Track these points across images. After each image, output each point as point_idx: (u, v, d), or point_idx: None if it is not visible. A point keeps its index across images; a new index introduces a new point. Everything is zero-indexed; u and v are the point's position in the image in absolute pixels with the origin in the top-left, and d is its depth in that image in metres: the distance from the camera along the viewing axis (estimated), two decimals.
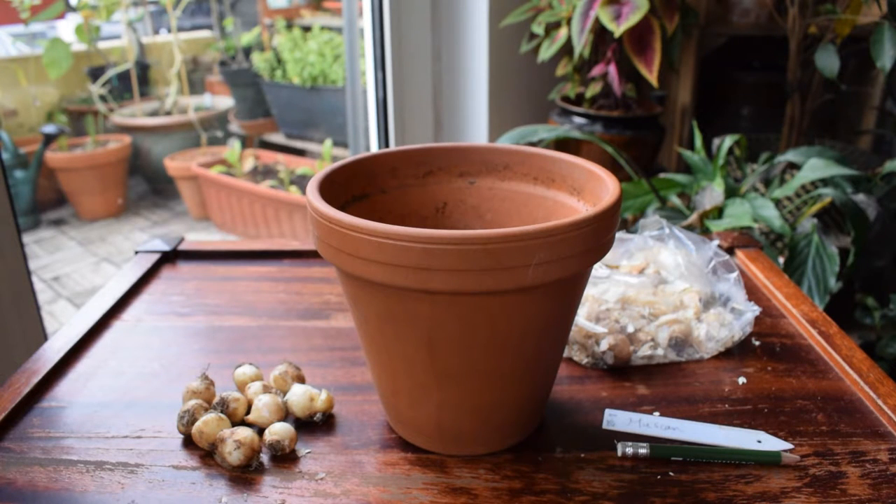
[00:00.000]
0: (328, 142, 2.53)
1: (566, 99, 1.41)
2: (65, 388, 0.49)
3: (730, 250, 0.68)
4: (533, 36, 1.38)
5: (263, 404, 0.44)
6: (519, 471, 0.41)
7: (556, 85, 1.48)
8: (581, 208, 0.44)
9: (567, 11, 1.27)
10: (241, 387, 0.47)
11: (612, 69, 1.25)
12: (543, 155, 0.46)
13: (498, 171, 0.48)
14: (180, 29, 3.03)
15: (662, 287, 0.56)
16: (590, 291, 0.54)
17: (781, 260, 1.01)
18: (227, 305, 0.60)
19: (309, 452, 0.42)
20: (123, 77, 2.92)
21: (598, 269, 0.56)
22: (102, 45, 2.92)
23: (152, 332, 0.56)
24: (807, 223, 1.01)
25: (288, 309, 0.60)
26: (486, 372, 0.38)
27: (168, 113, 2.96)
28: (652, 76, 1.19)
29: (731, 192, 1.04)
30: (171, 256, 0.69)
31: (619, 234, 0.60)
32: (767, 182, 1.18)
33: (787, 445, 0.43)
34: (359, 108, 1.92)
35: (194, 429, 0.42)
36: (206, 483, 0.40)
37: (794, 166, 1.19)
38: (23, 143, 2.61)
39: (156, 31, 3.15)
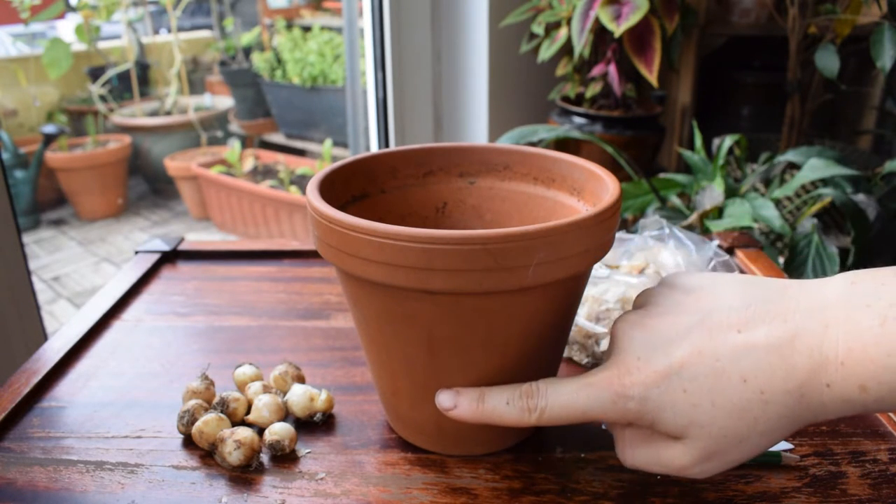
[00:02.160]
0: (328, 142, 2.53)
1: (566, 99, 1.41)
2: (65, 388, 0.49)
3: (730, 250, 0.68)
4: (533, 36, 1.38)
5: (263, 404, 0.44)
6: (519, 471, 0.41)
7: (556, 85, 1.48)
8: (581, 208, 0.44)
9: (567, 11, 1.27)
10: (241, 387, 0.47)
11: (612, 69, 1.25)
12: (543, 155, 0.46)
13: (498, 171, 0.48)
14: (180, 29, 3.03)
15: None
16: (590, 291, 0.54)
17: (781, 260, 1.01)
18: (227, 305, 0.60)
19: (309, 452, 0.42)
20: (123, 77, 2.93)
21: (598, 269, 0.56)
22: (102, 45, 2.93)
23: (152, 332, 0.56)
24: (807, 223, 1.01)
25: (288, 309, 0.60)
26: (486, 372, 0.38)
27: (168, 113, 2.97)
28: (652, 76, 1.19)
29: (731, 192, 1.04)
30: (171, 256, 0.69)
31: (619, 234, 0.60)
32: (767, 182, 1.18)
33: (788, 445, 0.43)
34: (359, 108, 1.92)
35: (194, 429, 0.42)
36: (206, 483, 0.40)
37: (794, 166, 1.19)
38: (23, 143, 2.61)
39: (156, 31, 3.15)
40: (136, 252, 0.69)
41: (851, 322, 0.29)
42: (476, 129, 1.46)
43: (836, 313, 0.29)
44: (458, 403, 0.36)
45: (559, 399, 0.34)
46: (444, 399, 0.37)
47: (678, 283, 0.35)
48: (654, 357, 0.32)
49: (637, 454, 0.35)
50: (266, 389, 0.46)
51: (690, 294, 0.34)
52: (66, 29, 2.86)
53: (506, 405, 0.35)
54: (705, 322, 0.32)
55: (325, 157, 2.49)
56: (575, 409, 0.34)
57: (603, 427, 0.45)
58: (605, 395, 0.33)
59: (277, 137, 3.06)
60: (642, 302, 0.36)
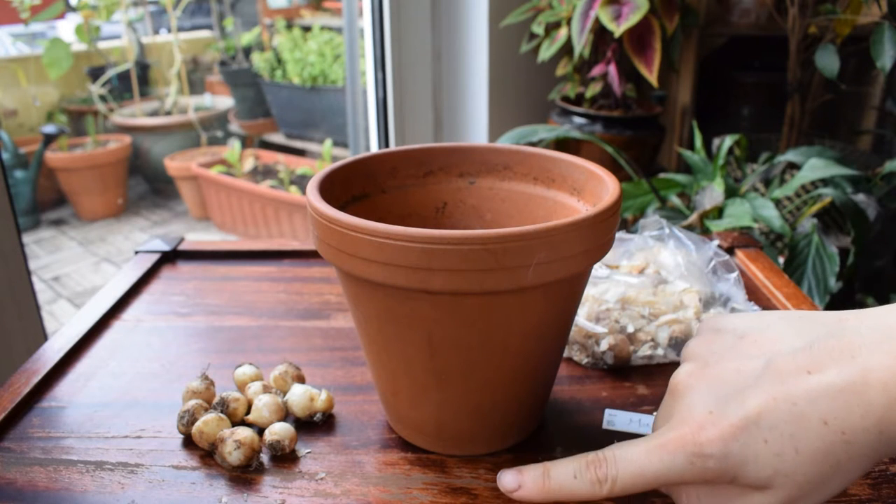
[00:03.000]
0: (328, 142, 2.53)
1: (566, 99, 1.41)
2: (65, 388, 0.49)
3: (730, 250, 0.68)
4: (533, 36, 1.38)
5: (263, 404, 0.44)
6: None
7: (556, 85, 1.48)
8: (581, 208, 0.44)
9: (567, 11, 1.27)
10: (241, 387, 0.47)
11: (612, 69, 1.25)
12: (543, 155, 0.46)
13: (498, 171, 0.48)
14: (180, 29, 3.03)
15: (662, 287, 0.56)
16: (590, 291, 0.54)
17: (781, 260, 1.01)
18: (227, 305, 0.60)
19: (309, 452, 0.42)
20: (123, 77, 2.93)
21: (598, 269, 0.56)
22: (102, 45, 2.93)
23: (152, 332, 0.56)
24: (807, 223, 1.01)
25: (288, 309, 0.60)
26: (486, 372, 0.38)
27: (168, 113, 2.97)
28: (652, 76, 1.19)
29: (731, 192, 1.04)
30: (171, 256, 0.69)
31: (619, 234, 0.60)
32: (767, 182, 1.19)
33: None
34: (359, 108, 1.92)
35: (194, 429, 0.42)
36: (206, 483, 0.40)
37: (794, 166, 1.19)
38: (23, 143, 2.61)
39: (156, 31, 3.15)
40: (136, 252, 0.69)
41: None
42: (476, 129, 1.46)
43: None
44: (523, 483, 0.35)
45: (631, 467, 0.32)
46: (508, 480, 0.35)
47: (725, 328, 0.34)
48: (727, 409, 0.31)
49: (703, 501, 0.33)
50: (266, 389, 0.46)
51: (744, 338, 0.33)
52: (66, 29, 2.87)
53: (574, 479, 0.33)
54: (771, 366, 0.31)
55: (325, 157, 2.49)
56: (648, 477, 0.32)
57: (603, 427, 0.45)
58: (680, 457, 0.31)
59: (277, 137, 3.06)
60: (693, 354, 0.35)
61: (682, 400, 0.33)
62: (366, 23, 1.38)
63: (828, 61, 1.13)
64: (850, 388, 0.29)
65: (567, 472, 0.34)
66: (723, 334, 0.34)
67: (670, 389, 0.34)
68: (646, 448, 0.32)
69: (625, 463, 0.32)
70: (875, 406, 0.29)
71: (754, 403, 0.30)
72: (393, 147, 0.80)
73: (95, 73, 2.89)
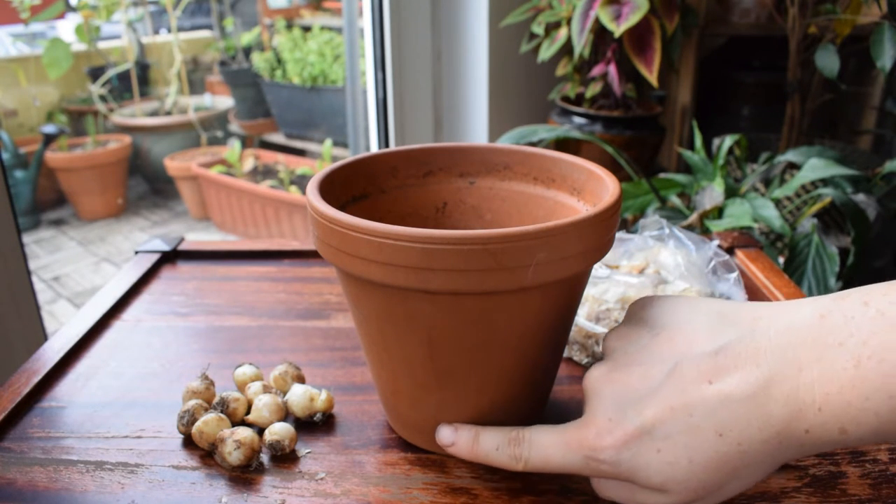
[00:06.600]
0: (328, 142, 2.53)
1: (566, 99, 1.41)
2: (65, 388, 0.49)
3: (730, 250, 0.68)
4: (533, 36, 1.38)
5: (263, 404, 0.44)
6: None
7: (556, 85, 1.48)
8: (581, 208, 0.44)
9: (567, 11, 1.27)
10: (241, 387, 0.47)
11: (612, 69, 1.25)
12: (543, 155, 0.46)
13: (498, 171, 0.48)
14: (180, 29, 3.03)
15: (662, 287, 0.56)
16: (590, 291, 0.54)
17: (781, 260, 1.01)
18: (227, 305, 0.60)
19: (309, 452, 0.42)
20: (123, 77, 2.93)
21: (598, 269, 0.56)
22: (102, 45, 2.93)
23: (152, 332, 0.56)
24: (807, 223, 1.01)
25: (288, 309, 0.60)
26: (486, 372, 0.38)
27: (168, 113, 2.97)
28: (652, 76, 1.19)
29: (731, 192, 1.04)
30: (171, 256, 0.69)
31: (619, 234, 0.60)
32: (767, 182, 1.18)
33: None
34: (359, 108, 1.92)
35: (194, 429, 0.42)
36: (206, 483, 0.40)
37: (794, 166, 1.19)
38: (23, 143, 2.61)
39: (156, 31, 3.15)
40: (136, 252, 0.69)
41: (825, 363, 0.28)
42: (476, 129, 1.46)
43: (809, 353, 0.29)
44: (457, 441, 0.38)
45: (540, 453, 0.35)
46: (445, 435, 0.39)
47: (646, 319, 0.35)
48: (625, 417, 0.32)
49: (611, 489, 0.35)
50: (266, 389, 0.46)
51: (659, 334, 0.33)
52: (66, 29, 2.86)
53: (496, 451, 0.36)
54: (675, 374, 0.31)
55: (325, 157, 2.49)
56: (552, 465, 0.35)
57: None
58: (578, 456, 0.33)
59: (277, 137, 3.06)
60: (610, 347, 0.36)
61: (590, 402, 0.34)
62: (366, 23, 1.38)
63: (828, 61, 1.13)
64: (751, 399, 0.29)
65: (492, 443, 0.37)
66: (640, 328, 0.34)
67: (584, 388, 0.35)
68: (554, 440, 0.34)
69: (536, 449, 0.35)
70: (775, 418, 0.29)
71: (651, 413, 0.31)
72: (393, 147, 0.80)
73: (95, 73, 2.89)
